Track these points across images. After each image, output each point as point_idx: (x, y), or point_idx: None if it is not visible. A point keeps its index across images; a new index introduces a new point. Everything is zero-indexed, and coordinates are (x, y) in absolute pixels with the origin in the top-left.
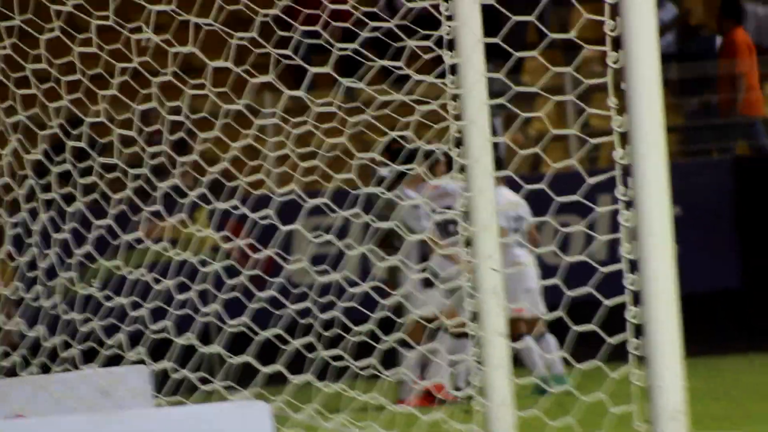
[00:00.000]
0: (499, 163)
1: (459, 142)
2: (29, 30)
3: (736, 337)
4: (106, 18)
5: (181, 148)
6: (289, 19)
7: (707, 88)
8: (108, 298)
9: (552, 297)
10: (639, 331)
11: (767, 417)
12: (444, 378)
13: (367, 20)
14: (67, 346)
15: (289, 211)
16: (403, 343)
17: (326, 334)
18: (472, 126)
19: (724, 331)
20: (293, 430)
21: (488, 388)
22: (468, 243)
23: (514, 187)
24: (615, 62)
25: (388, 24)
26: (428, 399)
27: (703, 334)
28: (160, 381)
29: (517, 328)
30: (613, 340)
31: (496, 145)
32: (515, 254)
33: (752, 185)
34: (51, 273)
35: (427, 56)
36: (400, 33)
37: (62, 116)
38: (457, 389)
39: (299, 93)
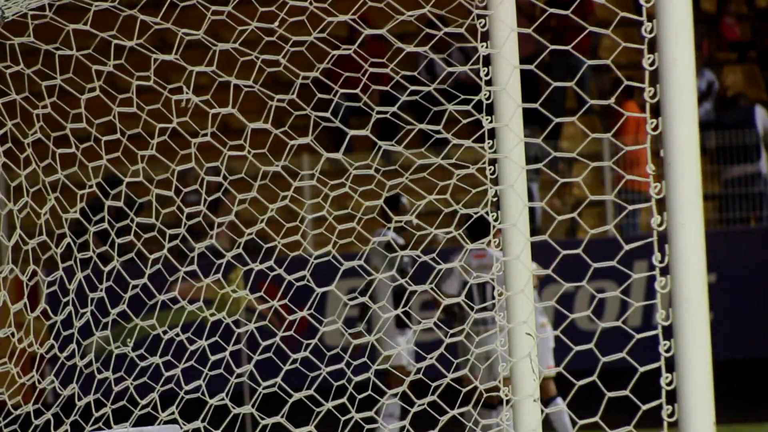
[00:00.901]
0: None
1: (496, 207)
2: (70, 89)
3: None
4: (147, 79)
5: (218, 208)
6: (328, 82)
7: (745, 157)
8: (142, 357)
9: (586, 362)
10: (672, 397)
11: None
12: None
13: (406, 84)
14: (99, 405)
15: (324, 272)
16: (435, 406)
17: (359, 396)
18: (510, 190)
19: (757, 398)
20: None
21: None
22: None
23: (552, 252)
24: (654, 129)
25: (428, 88)
26: None
27: (737, 401)
28: None
29: (548, 390)
30: (646, 406)
31: (531, 210)
32: (539, 313)
33: None
34: (86, 332)
35: (465, 120)
36: (439, 97)
37: (101, 175)
38: None
39: (337, 155)
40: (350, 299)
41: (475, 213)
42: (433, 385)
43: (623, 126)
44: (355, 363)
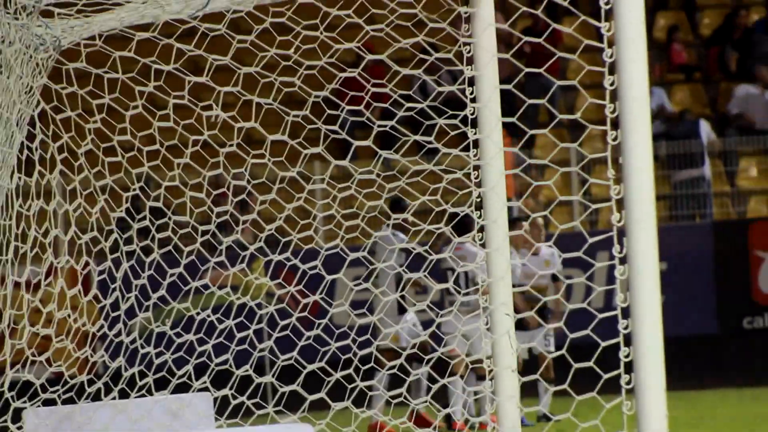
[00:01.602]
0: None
1: (479, 206)
2: (116, 107)
3: (712, 374)
4: (182, 98)
5: (243, 208)
6: (336, 100)
7: (692, 163)
8: (178, 335)
9: (556, 339)
10: (629, 368)
11: None
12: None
13: (402, 101)
14: (142, 375)
15: (333, 262)
16: (431, 377)
17: (363, 367)
18: (492, 192)
19: (701, 369)
20: None
21: (501, 416)
22: (486, 291)
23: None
24: (614, 139)
25: (421, 105)
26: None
27: (684, 371)
28: (222, 406)
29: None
30: (607, 376)
31: (509, 209)
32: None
33: (728, 245)
34: (131, 313)
35: (453, 132)
36: (431, 113)
37: (143, 180)
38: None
39: (344, 163)
40: (355, 285)
41: (461, 212)
42: (426, 357)
43: None
44: (360, 339)
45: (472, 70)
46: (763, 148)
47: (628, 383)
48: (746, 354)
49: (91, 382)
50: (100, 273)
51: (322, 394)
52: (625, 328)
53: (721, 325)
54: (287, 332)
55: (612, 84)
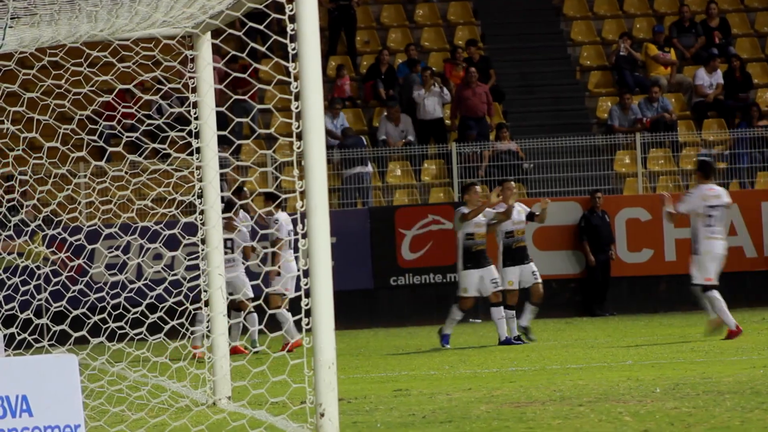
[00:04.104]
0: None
1: (201, 195)
2: None
3: (368, 318)
4: None
5: (26, 196)
6: (96, 117)
7: (360, 163)
8: None
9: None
10: (309, 313)
11: (389, 367)
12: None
13: (145, 119)
14: None
15: (92, 236)
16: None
17: (114, 312)
18: (209, 185)
19: (360, 314)
20: (92, 372)
21: (215, 348)
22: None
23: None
24: (298, 148)
25: (158, 121)
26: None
27: (348, 316)
28: (10, 341)
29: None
30: (294, 318)
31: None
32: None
33: (381, 224)
34: None
35: (182, 142)
36: (165, 127)
37: None
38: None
39: (101, 163)
40: (109, 252)
41: (188, 200)
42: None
43: None
44: (112, 292)
45: (195, 96)
46: (405, 156)
47: (307, 324)
48: (393, 303)
49: None
50: None
51: (83, 333)
52: (306, 284)
53: (375, 282)
54: (58, 287)
55: (297, 108)
